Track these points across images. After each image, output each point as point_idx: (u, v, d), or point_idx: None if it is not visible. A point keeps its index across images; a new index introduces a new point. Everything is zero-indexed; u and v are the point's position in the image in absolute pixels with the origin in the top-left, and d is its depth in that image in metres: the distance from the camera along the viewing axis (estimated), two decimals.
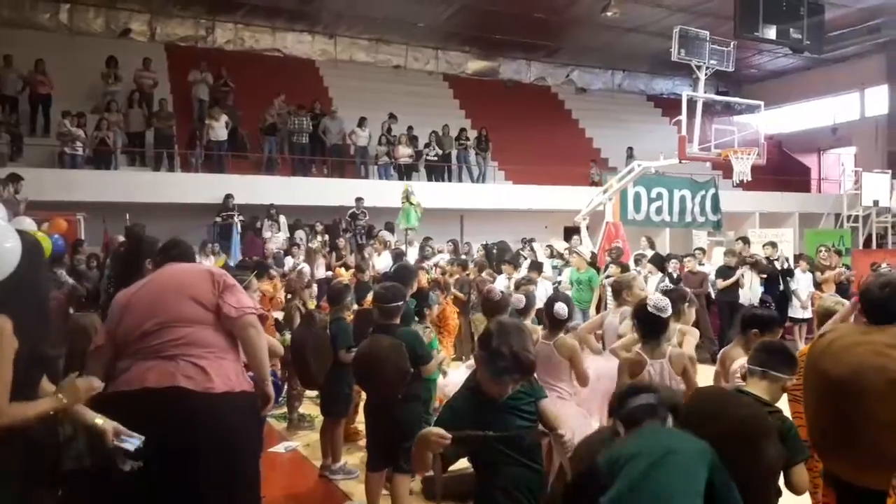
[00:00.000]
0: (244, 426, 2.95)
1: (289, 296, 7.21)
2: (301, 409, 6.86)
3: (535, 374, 4.55)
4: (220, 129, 14.92)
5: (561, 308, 4.28)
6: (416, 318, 5.64)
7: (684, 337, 4.25)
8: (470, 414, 2.67)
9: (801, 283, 10.60)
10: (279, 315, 7.13)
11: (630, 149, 19.05)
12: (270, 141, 15.65)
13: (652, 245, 12.23)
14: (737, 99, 16.25)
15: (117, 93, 15.16)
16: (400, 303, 4.34)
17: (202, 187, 14.11)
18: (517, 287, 7.16)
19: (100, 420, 2.54)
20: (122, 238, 7.24)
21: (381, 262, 10.92)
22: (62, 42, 16.89)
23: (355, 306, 5.99)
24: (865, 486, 2.64)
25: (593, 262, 10.86)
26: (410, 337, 4.28)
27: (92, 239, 11.18)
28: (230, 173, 14.91)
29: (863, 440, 2.60)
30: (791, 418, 3.07)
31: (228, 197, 13.70)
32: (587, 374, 4.30)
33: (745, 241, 11.27)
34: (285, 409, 6.81)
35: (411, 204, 12.40)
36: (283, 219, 14.20)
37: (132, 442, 2.56)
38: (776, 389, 2.77)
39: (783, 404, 3.31)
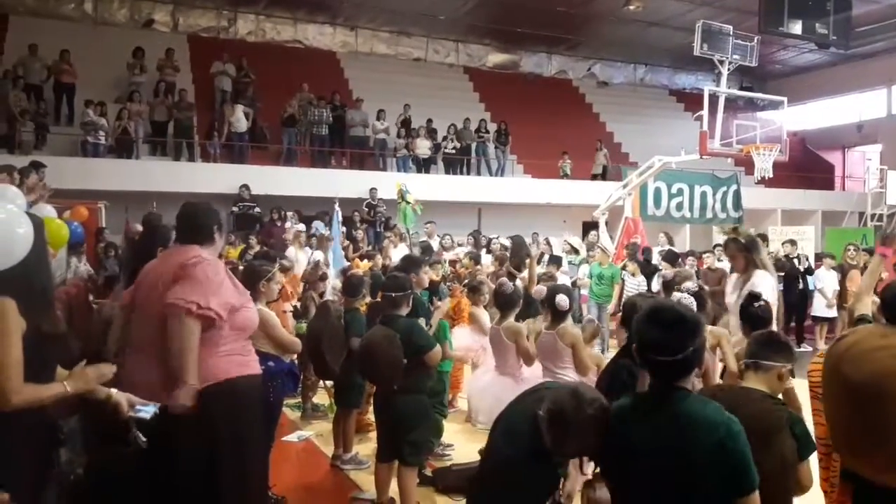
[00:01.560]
0: (219, 418, 2.94)
1: (305, 285, 7.24)
2: (315, 399, 6.90)
3: (540, 363, 4.59)
4: (240, 121, 15.02)
5: (562, 300, 4.33)
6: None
7: (719, 340, 4.04)
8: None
9: (826, 281, 10.45)
10: (296, 304, 7.16)
11: None
12: (290, 132, 15.72)
13: (670, 241, 12.15)
14: (760, 94, 16.08)
15: (142, 83, 15.33)
16: (403, 292, 4.33)
17: (221, 177, 14.21)
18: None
19: (114, 391, 2.60)
20: (138, 227, 7.30)
21: (398, 253, 10.94)
22: (86, 32, 17.09)
23: (368, 298, 6.00)
24: (888, 485, 2.59)
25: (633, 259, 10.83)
26: (408, 327, 4.26)
27: (113, 227, 11.32)
28: (249, 164, 15.00)
29: (888, 444, 2.54)
30: (812, 414, 3.04)
31: (243, 187, 13.81)
32: (588, 364, 4.32)
33: (763, 238, 11.14)
34: (300, 399, 6.85)
35: (407, 203, 12.40)
36: (290, 214, 14.22)
37: (147, 411, 2.63)
38: (772, 379, 2.73)
39: (804, 399, 3.28)
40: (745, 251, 4.34)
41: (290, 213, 13.28)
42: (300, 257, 9.87)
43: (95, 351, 3.37)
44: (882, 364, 2.59)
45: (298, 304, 6.88)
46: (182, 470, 2.92)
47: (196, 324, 2.90)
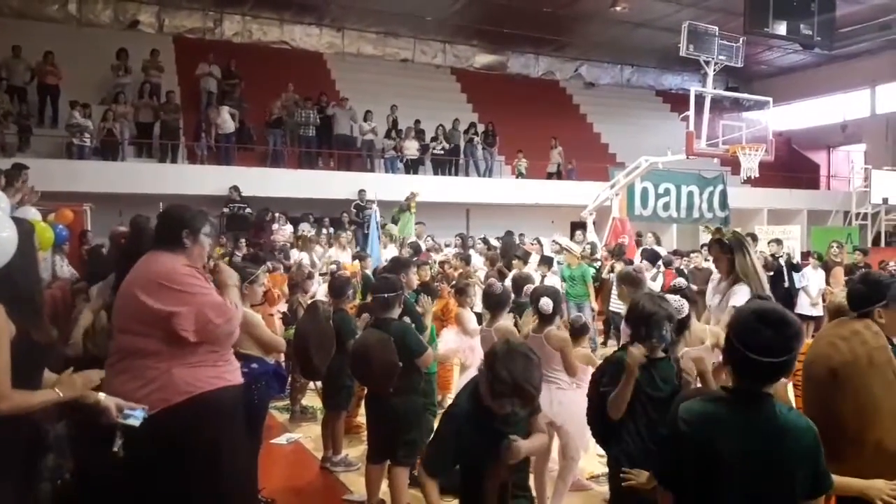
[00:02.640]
0: (199, 429, 2.88)
1: (286, 289, 7.19)
2: (304, 402, 6.87)
3: None
4: (227, 122, 14.96)
5: (545, 303, 4.31)
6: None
7: (718, 339, 4.04)
8: (472, 434, 2.73)
9: (812, 279, 10.51)
10: (283, 308, 7.13)
11: None
12: (275, 133, 15.66)
13: (658, 241, 12.20)
14: (745, 95, 16.18)
15: (127, 85, 15.22)
16: (394, 294, 4.33)
17: (209, 179, 14.15)
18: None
19: (102, 396, 2.56)
20: (122, 228, 7.22)
21: (388, 254, 10.96)
22: (70, 33, 16.97)
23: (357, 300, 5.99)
24: None
25: (593, 256, 10.86)
26: (401, 330, 4.27)
27: (99, 230, 11.22)
28: (237, 165, 14.94)
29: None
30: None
31: (233, 189, 13.76)
32: (576, 366, 4.32)
33: (753, 237, 11.21)
34: (288, 401, 6.83)
35: (412, 213, 12.33)
36: (281, 217, 14.17)
37: (136, 416, 2.58)
38: None
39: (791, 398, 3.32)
40: (728, 253, 4.32)
41: (277, 215, 13.26)
42: (342, 257, 9.90)
43: (87, 357, 3.33)
44: (817, 350, 2.74)
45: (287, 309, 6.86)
46: (160, 480, 2.86)
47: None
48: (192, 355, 2.90)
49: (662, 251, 11.35)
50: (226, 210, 13.56)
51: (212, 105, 15.57)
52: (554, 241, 12.64)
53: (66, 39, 16.10)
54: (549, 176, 18.59)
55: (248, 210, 13.66)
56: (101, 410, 2.54)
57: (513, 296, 5.11)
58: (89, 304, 4.17)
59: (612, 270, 10.10)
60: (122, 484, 2.86)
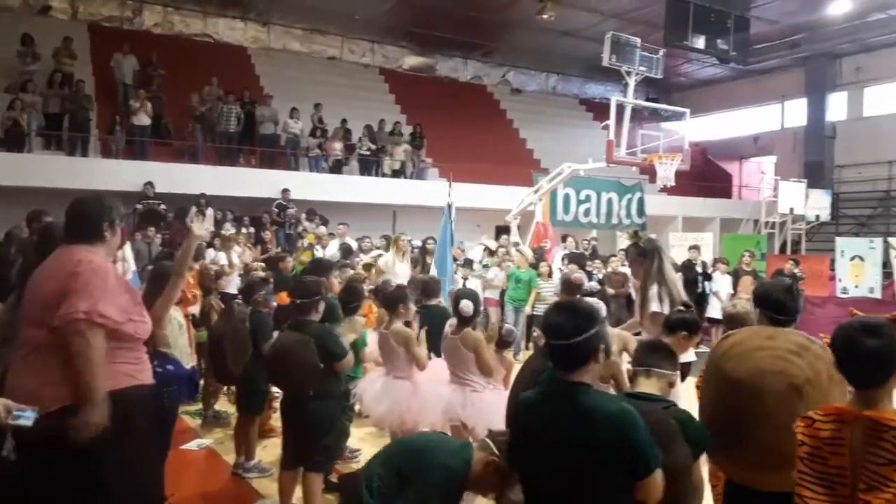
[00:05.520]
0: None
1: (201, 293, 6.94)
2: (216, 406, 6.67)
3: (448, 368, 4.59)
4: (143, 115, 14.38)
5: (465, 305, 4.34)
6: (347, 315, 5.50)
7: (626, 344, 4.12)
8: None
9: (722, 285, 10.95)
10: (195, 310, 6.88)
11: None
12: (196, 128, 15.18)
13: (577, 245, 12.45)
14: (664, 106, 16.71)
15: (35, 73, 14.44)
16: (311, 299, 4.24)
17: (123, 174, 13.56)
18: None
19: None
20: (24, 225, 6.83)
21: (329, 252, 10.86)
22: None
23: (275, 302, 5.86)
24: (747, 485, 2.74)
25: (537, 263, 11.01)
26: (322, 333, 4.20)
27: (2, 226, 10.59)
28: (153, 160, 14.40)
29: (755, 439, 2.69)
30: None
31: (148, 185, 13.26)
32: (491, 366, 4.34)
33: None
34: (200, 406, 6.61)
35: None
36: (210, 211, 13.76)
37: (27, 416, 2.46)
38: (664, 386, 2.85)
39: (693, 403, 3.40)
40: (643, 258, 4.44)
41: (209, 211, 12.83)
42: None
43: None
44: (763, 363, 2.75)
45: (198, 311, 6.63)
46: (56, 484, 2.73)
47: (97, 335, 2.70)
48: (109, 354, 2.79)
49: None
50: (139, 206, 13.03)
51: (128, 96, 14.95)
52: (481, 242, 12.74)
53: None
54: (395, 174, 17.68)
55: (162, 206, 13.16)
56: None
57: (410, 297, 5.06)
58: None
59: (550, 275, 10.28)
60: (13, 490, 2.70)
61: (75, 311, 2.65)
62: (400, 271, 9.56)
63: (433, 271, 8.75)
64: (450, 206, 9.89)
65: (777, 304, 3.03)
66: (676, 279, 4.49)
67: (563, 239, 14.07)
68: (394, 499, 2.62)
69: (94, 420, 2.66)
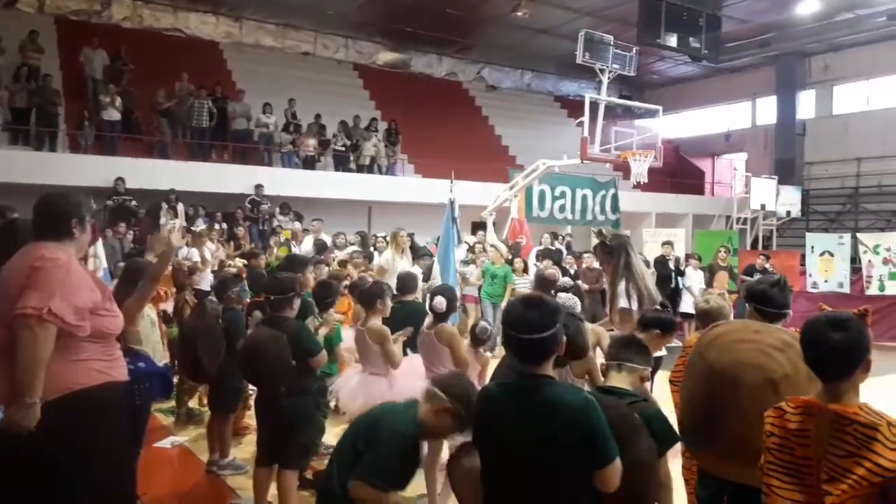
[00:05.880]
0: (70, 431, 2.71)
1: (174, 290, 6.86)
2: (190, 404, 6.60)
3: (423, 363, 4.60)
4: (112, 110, 14.15)
5: (438, 302, 4.36)
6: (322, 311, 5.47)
7: (599, 339, 4.16)
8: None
9: (694, 280, 11.07)
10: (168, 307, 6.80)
11: None
12: (167, 123, 14.98)
13: (552, 242, 12.50)
14: (637, 103, 16.83)
15: (1, 67, 14.16)
16: (284, 295, 4.22)
17: (92, 170, 13.34)
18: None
19: None
20: None
21: (303, 249, 10.79)
22: None
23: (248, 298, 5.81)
24: (723, 478, 2.77)
25: (513, 259, 11.04)
26: (296, 329, 4.17)
27: None
28: (123, 156, 14.18)
29: (729, 431, 2.71)
30: (675, 408, 3.18)
31: (119, 180, 13.06)
32: (466, 360, 4.35)
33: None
34: (174, 404, 6.53)
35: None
36: (181, 206, 13.56)
37: None
38: (635, 380, 2.87)
39: (666, 394, 3.43)
40: (611, 255, 4.48)
41: (180, 207, 12.65)
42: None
43: None
44: (745, 355, 2.78)
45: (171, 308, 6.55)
46: (31, 482, 2.68)
47: (46, 332, 2.64)
48: (79, 351, 2.77)
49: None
50: (109, 203, 12.83)
51: (97, 91, 14.70)
52: (466, 241, 12.73)
53: None
54: (364, 168, 17.45)
55: (133, 203, 12.98)
56: None
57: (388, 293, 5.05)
58: None
59: (525, 270, 10.33)
60: None
61: (24, 306, 2.61)
62: (401, 268, 9.02)
63: (436, 274, 7.92)
64: (452, 202, 8.86)
65: (763, 296, 3.07)
66: (646, 273, 4.53)
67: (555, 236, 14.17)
68: (350, 468, 2.70)
69: (22, 423, 2.60)
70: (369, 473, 2.65)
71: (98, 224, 11.82)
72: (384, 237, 12.16)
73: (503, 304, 9.97)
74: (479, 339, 4.73)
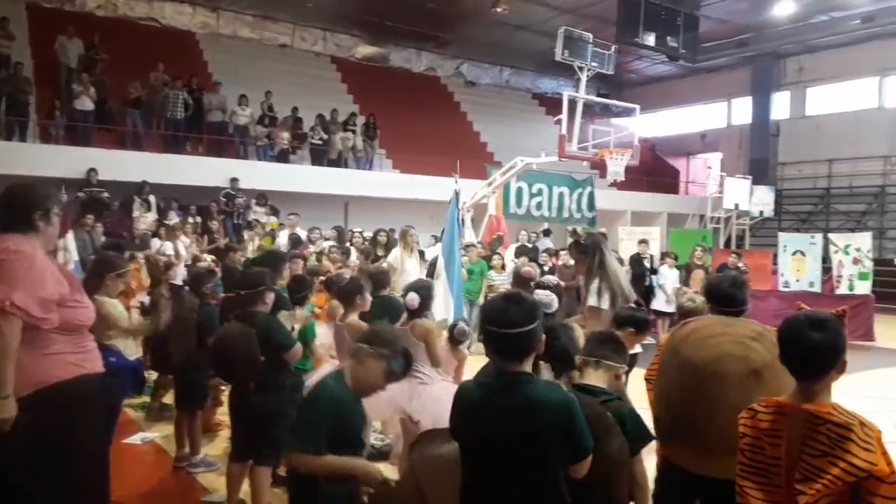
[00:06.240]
0: (44, 425, 2.68)
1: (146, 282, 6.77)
2: (164, 399, 6.50)
3: None
4: (86, 99, 13.90)
5: (411, 298, 4.35)
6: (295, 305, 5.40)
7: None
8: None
9: (668, 278, 11.15)
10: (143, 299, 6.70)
11: None
12: (134, 114, 14.73)
13: (529, 239, 12.53)
14: (614, 101, 16.90)
15: None
16: (259, 289, 4.17)
17: (63, 160, 13.08)
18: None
19: None
20: None
21: (279, 243, 10.72)
22: None
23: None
24: (704, 474, 2.77)
25: (490, 255, 11.04)
26: (267, 324, 4.13)
27: None
28: (96, 147, 13.94)
29: (716, 424, 2.70)
30: (650, 406, 3.18)
31: (91, 171, 12.84)
32: (440, 356, 4.34)
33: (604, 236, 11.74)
34: (146, 399, 6.42)
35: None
36: (153, 198, 13.39)
37: None
38: (611, 378, 2.89)
39: (641, 393, 3.43)
40: (585, 254, 4.50)
41: (152, 199, 12.53)
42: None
43: None
44: (723, 348, 2.81)
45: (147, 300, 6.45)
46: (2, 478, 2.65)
47: (10, 325, 2.59)
48: (49, 344, 2.75)
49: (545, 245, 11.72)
50: (81, 194, 12.60)
51: (71, 80, 14.42)
52: (433, 235, 12.71)
53: None
54: (332, 162, 17.11)
55: (105, 195, 12.77)
56: None
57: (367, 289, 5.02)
58: None
59: (503, 267, 10.32)
60: None
61: None
62: (410, 267, 8.97)
63: (441, 277, 6.88)
64: (457, 193, 8.15)
65: (724, 296, 3.09)
66: (620, 272, 4.56)
67: (546, 233, 14.43)
68: None
69: (1, 416, 2.58)
70: (297, 441, 2.67)
71: (69, 216, 11.63)
72: (360, 232, 12.12)
73: (479, 301, 9.99)
74: (456, 340, 4.73)
